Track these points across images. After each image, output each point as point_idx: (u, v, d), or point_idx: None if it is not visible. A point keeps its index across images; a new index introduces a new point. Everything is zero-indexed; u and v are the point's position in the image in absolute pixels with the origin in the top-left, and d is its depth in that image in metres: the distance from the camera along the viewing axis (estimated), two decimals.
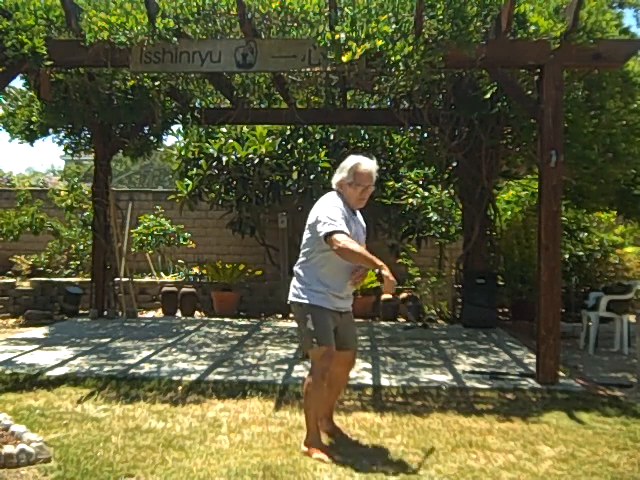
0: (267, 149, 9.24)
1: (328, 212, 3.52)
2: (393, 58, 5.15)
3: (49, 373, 5.41)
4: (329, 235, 3.44)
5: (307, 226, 3.69)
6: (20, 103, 8.19)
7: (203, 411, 4.41)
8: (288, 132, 9.86)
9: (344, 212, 3.57)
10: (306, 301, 3.61)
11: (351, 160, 3.69)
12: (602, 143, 6.52)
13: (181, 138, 9.90)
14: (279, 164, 9.43)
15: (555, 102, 5.36)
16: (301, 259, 3.72)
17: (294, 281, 3.73)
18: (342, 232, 3.44)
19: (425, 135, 9.19)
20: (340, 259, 3.50)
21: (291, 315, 9.26)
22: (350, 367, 3.91)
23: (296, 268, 3.75)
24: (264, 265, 10.45)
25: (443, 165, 8.90)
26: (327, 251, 3.54)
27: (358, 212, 3.82)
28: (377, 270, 3.41)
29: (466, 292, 8.64)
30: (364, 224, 3.87)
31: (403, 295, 9.35)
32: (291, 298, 3.72)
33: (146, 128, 8.62)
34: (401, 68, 5.19)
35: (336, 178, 3.72)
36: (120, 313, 9.02)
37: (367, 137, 10.20)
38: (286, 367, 5.82)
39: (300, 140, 9.68)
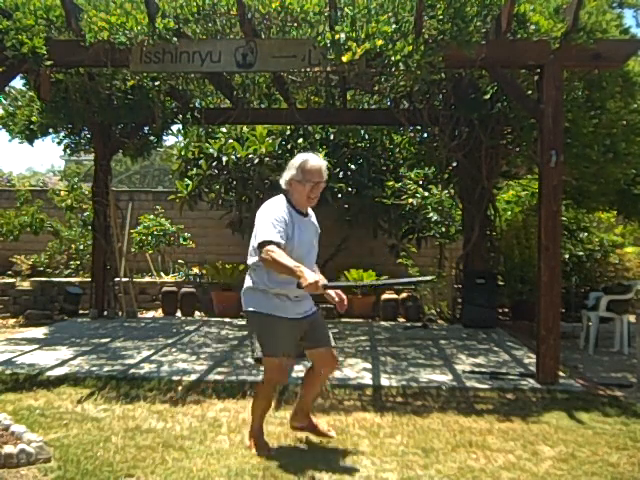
0: (267, 149, 9.23)
1: (269, 218, 3.41)
2: (393, 58, 5.16)
3: (49, 373, 5.41)
4: (262, 245, 3.35)
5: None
6: (20, 103, 8.18)
7: (203, 411, 4.41)
8: (288, 132, 9.85)
9: (287, 218, 3.44)
10: (262, 310, 3.53)
11: (299, 158, 3.59)
12: (602, 143, 6.51)
13: (181, 138, 9.90)
14: (279, 164, 9.42)
15: (555, 102, 5.36)
16: (252, 259, 3.56)
17: (247, 284, 3.61)
18: (273, 242, 3.32)
19: (425, 135, 9.20)
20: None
21: None
22: (330, 367, 3.76)
23: (249, 270, 3.61)
24: None
25: (443, 165, 8.90)
26: None
27: (311, 212, 3.71)
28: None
29: (466, 292, 8.64)
30: (317, 224, 3.74)
31: (403, 295, 9.36)
32: (245, 307, 3.61)
33: (146, 128, 8.62)
34: (401, 68, 5.20)
35: (285, 177, 3.60)
36: (120, 313, 9.02)
37: (367, 137, 10.20)
38: None
39: (300, 140, 9.66)
